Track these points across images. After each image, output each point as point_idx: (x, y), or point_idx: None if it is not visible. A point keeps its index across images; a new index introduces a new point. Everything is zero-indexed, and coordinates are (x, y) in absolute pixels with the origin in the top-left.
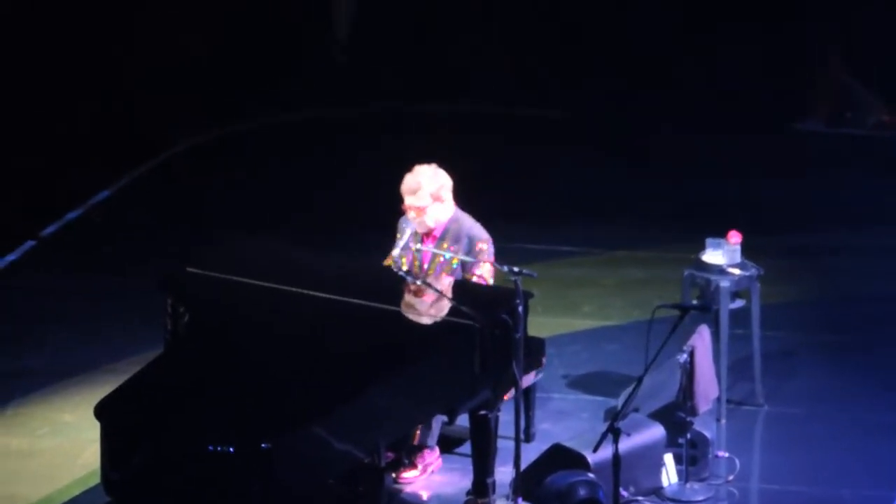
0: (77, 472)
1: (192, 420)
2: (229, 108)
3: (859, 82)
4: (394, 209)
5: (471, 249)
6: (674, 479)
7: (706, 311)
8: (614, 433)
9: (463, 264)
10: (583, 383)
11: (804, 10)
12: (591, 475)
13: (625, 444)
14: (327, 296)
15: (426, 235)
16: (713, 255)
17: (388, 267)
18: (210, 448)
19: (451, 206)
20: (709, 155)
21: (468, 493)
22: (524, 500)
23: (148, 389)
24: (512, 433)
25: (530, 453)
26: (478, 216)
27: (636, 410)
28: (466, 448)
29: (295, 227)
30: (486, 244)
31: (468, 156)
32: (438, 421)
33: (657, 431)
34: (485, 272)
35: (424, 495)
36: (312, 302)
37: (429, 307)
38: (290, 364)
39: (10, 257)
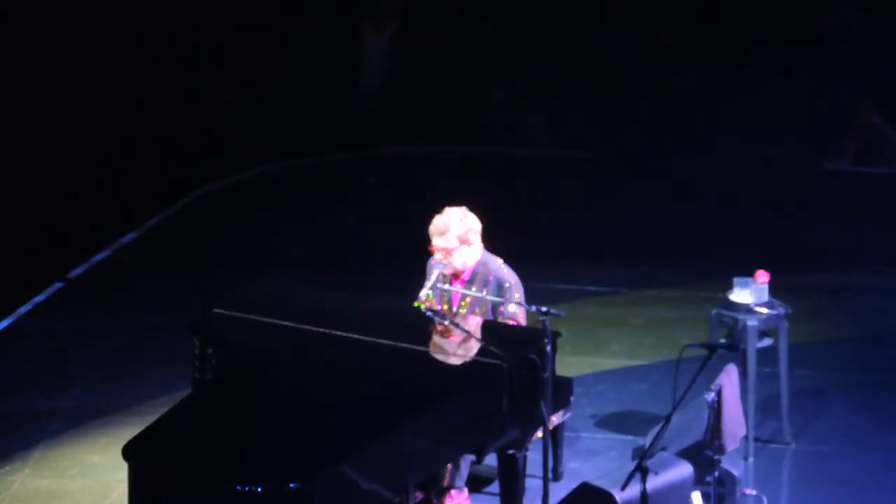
0: None
1: (220, 460)
2: (259, 149)
3: (887, 122)
4: (422, 250)
5: (499, 292)
6: None
7: (734, 349)
8: (642, 472)
9: (494, 308)
10: (611, 422)
11: (837, 51)
12: None
13: (653, 483)
14: (355, 336)
15: (454, 277)
16: (741, 295)
17: (417, 307)
18: (238, 488)
19: (479, 250)
20: (736, 194)
21: None
22: None
23: (176, 430)
24: (540, 472)
25: (558, 492)
26: (507, 257)
27: (664, 449)
28: (495, 487)
29: (323, 268)
30: (515, 288)
31: (497, 197)
32: (467, 462)
33: (685, 470)
34: (518, 314)
35: None
36: (340, 342)
37: (457, 347)
38: (318, 404)
39: (38, 299)
